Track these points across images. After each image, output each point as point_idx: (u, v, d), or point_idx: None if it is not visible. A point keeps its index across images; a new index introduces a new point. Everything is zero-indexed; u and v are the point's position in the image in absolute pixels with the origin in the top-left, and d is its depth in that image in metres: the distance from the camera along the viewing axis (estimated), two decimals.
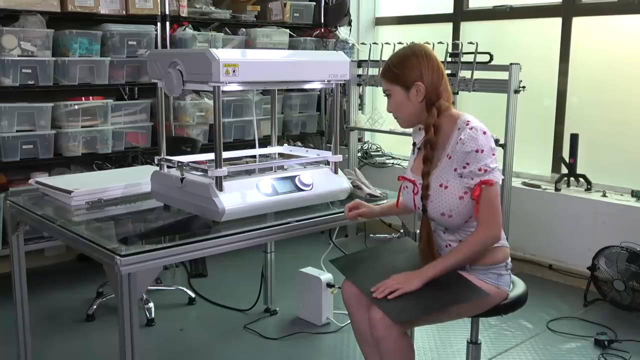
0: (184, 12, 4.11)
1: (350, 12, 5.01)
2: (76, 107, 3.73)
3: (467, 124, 1.97)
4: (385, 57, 4.38)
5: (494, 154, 1.96)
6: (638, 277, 3.30)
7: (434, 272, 1.97)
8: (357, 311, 2.14)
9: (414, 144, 2.21)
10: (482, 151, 1.93)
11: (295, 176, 2.26)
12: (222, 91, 2.02)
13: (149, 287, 3.42)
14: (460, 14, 4.63)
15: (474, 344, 2.28)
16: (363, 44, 4.86)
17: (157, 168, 2.33)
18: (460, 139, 1.95)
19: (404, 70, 2.01)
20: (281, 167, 2.49)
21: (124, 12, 3.86)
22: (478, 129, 1.95)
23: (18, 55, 3.49)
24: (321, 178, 2.32)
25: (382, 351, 1.96)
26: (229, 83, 2.01)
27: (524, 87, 3.71)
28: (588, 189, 3.87)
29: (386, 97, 2.10)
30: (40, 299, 3.56)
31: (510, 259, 2.11)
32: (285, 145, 2.85)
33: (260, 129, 4.28)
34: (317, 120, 4.97)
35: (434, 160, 2.02)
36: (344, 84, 4.54)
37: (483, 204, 1.95)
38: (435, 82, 2.02)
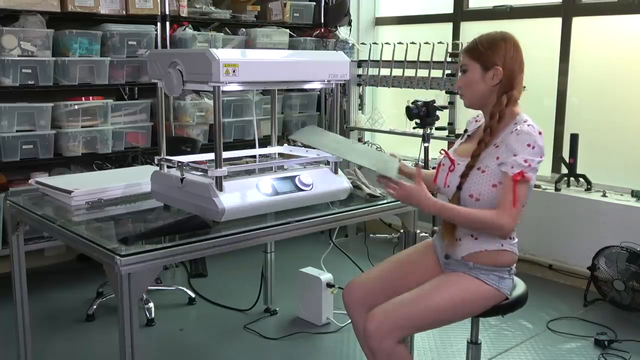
0: (184, 12, 4.11)
1: (350, 12, 5.00)
2: (76, 107, 3.73)
3: (526, 122, 1.99)
4: (385, 57, 4.39)
5: (541, 157, 1.96)
6: (638, 277, 3.30)
7: (436, 208, 1.97)
8: (358, 313, 2.16)
9: (466, 131, 2.24)
10: (534, 147, 1.94)
11: (295, 176, 2.26)
12: (222, 91, 2.02)
13: (149, 287, 3.43)
14: (460, 14, 4.63)
15: (474, 344, 2.28)
16: (363, 44, 4.86)
17: (157, 168, 2.33)
18: (517, 129, 1.96)
19: (489, 51, 2.03)
20: (281, 167, 2.49)
21: (124, 12, 3.86)
22: (535, 127, 1.97)
23: (18, 55, 3.49)
24: (321, 178, 2.32)
25: None
26: (229, 83, 2.01)
27: (524, 87, 3.69)
28: (588, 189, 3.87)
29: (460, 73, 2.10)
30: (40, 299, 3.56)
31: (515, 265, 2.11)
32: (285, 145, 2.84)
33: (260, 129, 4.28)
34: (317, 120, 4.96)
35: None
36: (344, 84, 4.54)
37: (513, 196, 1.93)
38: (515, 73, 2.05)
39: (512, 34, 2.09)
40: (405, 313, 1.98)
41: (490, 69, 2.02)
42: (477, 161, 2.02)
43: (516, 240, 2.10)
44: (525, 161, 1.93)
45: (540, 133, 1.96)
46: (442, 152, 2.19)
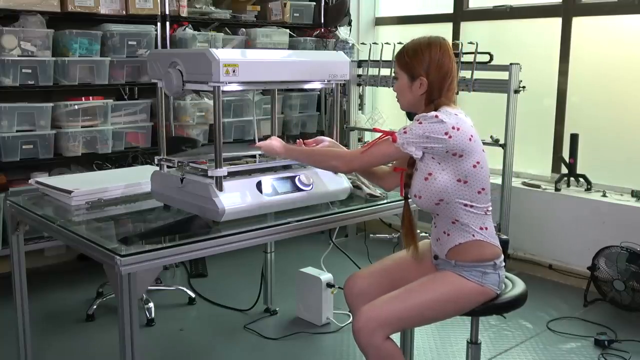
0: (184, 12, 4.11)
1: (350, 12, 5.00)
2: (76, 107, 3.73)
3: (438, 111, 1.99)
4: (385, 57, 4.38)
5: (426, 135, 1.93)
6: (638, 277, 3.31)
7: (288, 152, 2.18)
8: (357, 306, 2.16)
9: None
10: (421, 123, 1.95)
11: (295, 176, 2.26)
12: (222, 91, 2.02)
13: (149, 287, 3.42)
14: (460, 14, 4.63)
15: (474, 344, 2.28)
16: (363, 44, 4.86)
17: (157, 168, 2.33)
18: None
19: (414, 61, 2.03)
20: (281, 167, 2.49)
21: (124, 12, 3.85)
22: (436, 114, 1.95)
23: (18, 55, 3.49)
24: (321, 178, 2.32)
25: (369, 358, 1.99)
26: (229, 83, 2.01)
27: (524, 87, 3.71)
28: (588, 189, 3.87)
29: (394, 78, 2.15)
30: (40, 299, 3.56)
31: (502, 259, 2.09)
32: None
33: (260, 129, 4.27)
34: (317, 120, 4.97)
35: None
36: (344, 84, 4.53)
37: (370, 145, 2.03)
38: (440, 81, 2.02)
39: (441, 38, 2.05)
40: (391, 310, 1.99)
41: (416, 79, 2.03)
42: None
43: (489, 229, 2.06)
44: (404, 128, 1.97)
45: (436, 117, 1.93)
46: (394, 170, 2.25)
